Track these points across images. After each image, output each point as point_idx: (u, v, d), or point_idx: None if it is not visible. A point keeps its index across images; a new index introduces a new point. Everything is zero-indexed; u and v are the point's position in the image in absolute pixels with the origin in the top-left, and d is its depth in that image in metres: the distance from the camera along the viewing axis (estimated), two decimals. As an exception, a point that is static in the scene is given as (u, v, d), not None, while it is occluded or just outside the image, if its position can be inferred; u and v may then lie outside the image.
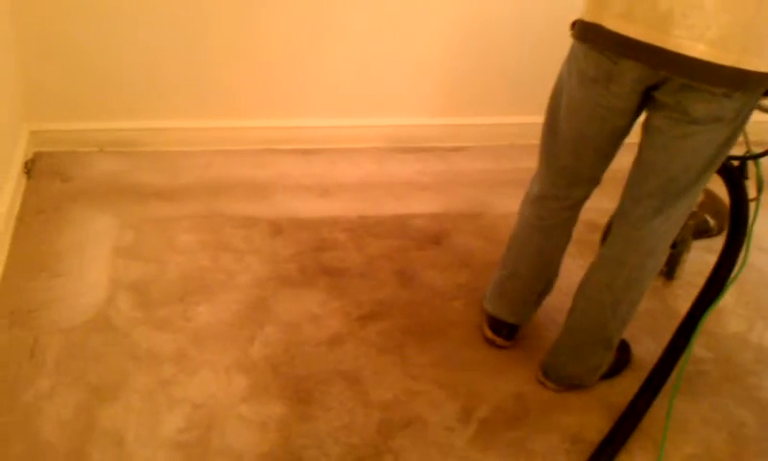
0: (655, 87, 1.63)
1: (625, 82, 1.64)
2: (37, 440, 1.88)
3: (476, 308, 2.41)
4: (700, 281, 2.04)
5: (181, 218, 2.68)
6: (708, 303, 1.93)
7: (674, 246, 2.43)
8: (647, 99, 1.68)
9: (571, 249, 2.16)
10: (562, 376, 2.12)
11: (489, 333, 2.26)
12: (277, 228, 2.68)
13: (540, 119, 3.18)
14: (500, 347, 2.26)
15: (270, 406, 2.03)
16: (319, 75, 3.04)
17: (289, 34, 2.92)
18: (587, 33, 1.66)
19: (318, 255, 2.58)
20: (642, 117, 1.77)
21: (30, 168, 2.81)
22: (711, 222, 2.51)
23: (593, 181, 1.95)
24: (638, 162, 1.80)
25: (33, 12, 2.69)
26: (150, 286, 2.37)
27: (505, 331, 2.24)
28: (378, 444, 1.97)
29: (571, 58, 1.78)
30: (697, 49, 1.49)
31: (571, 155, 1.89)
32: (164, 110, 3.01)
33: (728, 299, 2.32)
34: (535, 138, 3.28)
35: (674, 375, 2.05)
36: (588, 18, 1.65)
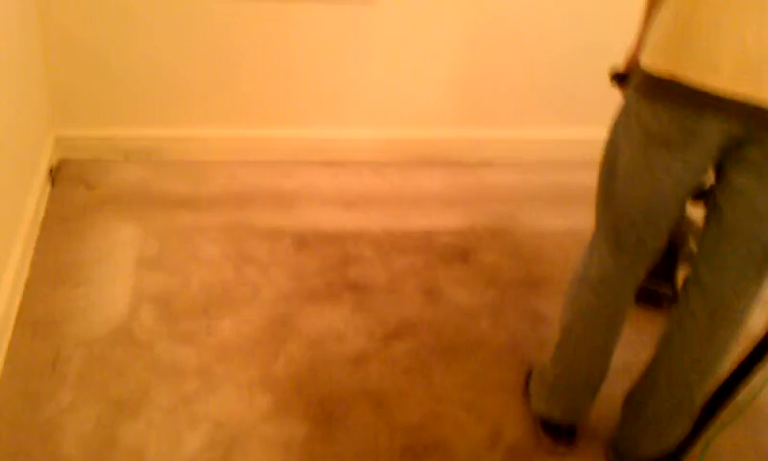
0: (741, 142, 1.42)
1: (710, 140, 1.43)
2: (57, 455, 1.85)
3: (502, 329, 2.37)
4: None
5: (206, 229, 2.65)
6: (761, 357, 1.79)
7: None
8: (726, 152, 1.47)
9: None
10: (643, 459, 1.92)
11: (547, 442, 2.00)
12: (302, 241, 2.65)
13: (569, 135, 3.16)
14: (563, 455, 1.99)
15: (293, 426, 1.99)
16: (346, 86, 3.01)
17: (316, 44, 2.90)
18: (657, 88, 1.43)
19: (343, 270, 2.54)
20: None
21: (54, 175, 2.79)
22: None
23: (659, 251, 1.70)
24: (717, 227, 1.57)
25: (60, 18, 2.68)
26: (173, 298, 2.35)
27: (565, 436, 1.98)
28: (403, 468, 1.93)
29: (629, 117, 1.53)
30: None
31: (638, 227, 1.63)
32: (190, 119, 2.99)
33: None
34: (563, 153, 3.28)
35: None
36: (659, 71, 1.42)
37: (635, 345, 2.00)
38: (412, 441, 2.00)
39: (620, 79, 1.75)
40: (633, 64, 1.69)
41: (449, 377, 2.19)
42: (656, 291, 2.42)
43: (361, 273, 2.54)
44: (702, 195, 1.65)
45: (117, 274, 2.42)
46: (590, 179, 3.12)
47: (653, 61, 1.44)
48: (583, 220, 2.75)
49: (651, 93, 1.46)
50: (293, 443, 1.95)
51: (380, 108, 3.09)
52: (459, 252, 2.69)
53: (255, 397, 2.06)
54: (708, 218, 1.62)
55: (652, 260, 1.70)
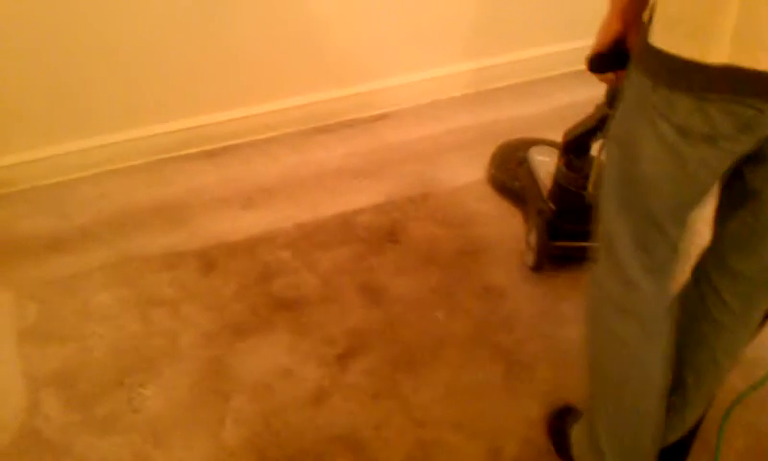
0: None
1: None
2: None
3: (460, 316, 2.12)
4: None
5: (90, 272, 2.22)
6: None
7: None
8: None
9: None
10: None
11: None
12: (208, 260, 2.27)
13: (463, 67, 2.89)
14: None
15: (269, 507, 1.68)
16: (212, 63, 2.59)
17: (171, 23, 2.44)
18: (700, 80, 1.11)
19: (266, 287, 2.19)
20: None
21: None
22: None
23: (680, 248, 1.40)
24: (751, 212, 1.33)
25: None
26: (77, 374, 1.94)
27: None
28: (408, 522, 1.66)
29: (649, 114, 1.21)
30: None
31: (665, 228, 1.34)
32: (35, 137, 2.49)
33: None
34: (462, 89, 3.00)
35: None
36: (706, 59, 1.09)
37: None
38: (408, 484, 1.73)
39: (603, 63, 1.43)
40: (616, 41, 1.40)
41: (423, 393, 1.92)
42: (582, 249, 2.22)
43: (287, 285, 2.20)
44: None
45: (-2, 358, 1.98)
46: (493, 114, 2.91)
47: (698, 49, 1.09)
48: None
49: (688, 86, 1.13)
50: (277, 531, 1.64)
51: (254, 77, 2.69)
52: (385, 232, 2.39)
53: (214, 482, 1.72)
54: (733, 202, 1.36)
55: (677, 262, 1.42)
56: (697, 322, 1.51)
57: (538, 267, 2.20)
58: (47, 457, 1.75)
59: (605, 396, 1.54)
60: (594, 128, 1.98)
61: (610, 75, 1.46)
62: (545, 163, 2.31)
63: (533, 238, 2.20)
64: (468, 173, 2.63)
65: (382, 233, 2.38)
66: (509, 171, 2.52)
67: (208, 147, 2.69)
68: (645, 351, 1.46)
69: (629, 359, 1.47)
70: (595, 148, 2.03)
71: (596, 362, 1.53)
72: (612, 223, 1.38)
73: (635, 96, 1.24)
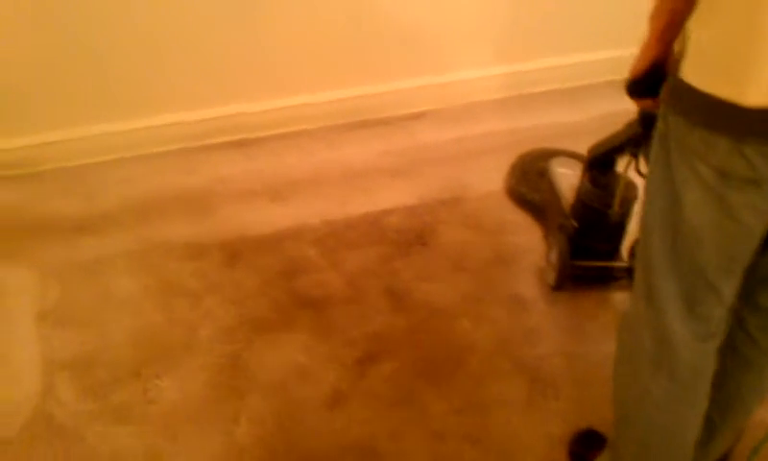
0: None
1: None
2: None
3: (485, 326, 2.06)
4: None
5: (114, 257, 2.21)
6: None
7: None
8: None
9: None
10: None
11: None
12: (233, 252, 2.24)
13: (502, 69, 2.83)
14: None
15: (279, 512, 1.64)
16: (247, 52, 2.56)
17: (207, 8, 2.41)
18: (740, 123, 1.04)
19: (289, 283, 2.16)
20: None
21: None
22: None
23: (734, 304, 1.31)
24: None
25: None
26: (94, 361, 1.92)
27: None
28: (420, 537, 1.62)
29: (688, 156, 1.14)
30: None
31: (715, 282, 1.24)
32: (65, 118, 2.49)
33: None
34: (500, 92, 2.95)
35: None
36: (753, 100, 1.01)
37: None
38: (422, 498, 1.68)
39: (641, 87, 1.35)
40: (655, 65, 1.32)
41: (443, 403, 1.87)
42: (605, 268, 2.16)
43: (311, 282, 2.16)
44: None
45: (15, 337, 1.97)
46: (530, 119, 2.84)
47: (736, 89, 1.03)
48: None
49: (727, 127, 1.07)
50: (285, 537, 1.60)
51: (289, 69, 2.66)
52: (414, 235, 2.34)
53: (225, 481, 1.69)
54: (765, 239, 1.28)
55: (727, 316, 1.33)
56: (723, 356, 1.43)
57: (558, 286, 2.13)
58: (58, 444, 1.73)
59: (632, 442, 1.47)
60: (622, 145, 1.91)
61: (648, 100, 1.38)
62: (567, 176, 2.23)
63: (554, 256, 2.14)
64: (502, 178, 2.57)
65: (411, 236, 2.33)
66: (529, 182, 2.45)
67: (238, 137, 2.67)
68: (678, 412, 1.38)
69: (659, 417, 1.39)
70: (621, 164, 1.96)
71: (623, 409, 1.47)
72: (654, 274, 1.28)
73: (671, 138, 1.16)
